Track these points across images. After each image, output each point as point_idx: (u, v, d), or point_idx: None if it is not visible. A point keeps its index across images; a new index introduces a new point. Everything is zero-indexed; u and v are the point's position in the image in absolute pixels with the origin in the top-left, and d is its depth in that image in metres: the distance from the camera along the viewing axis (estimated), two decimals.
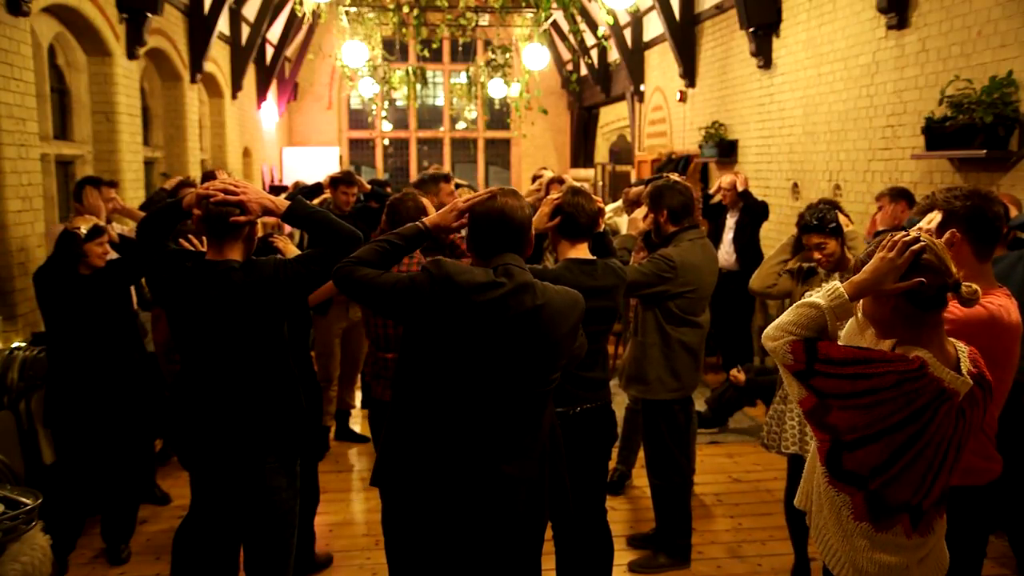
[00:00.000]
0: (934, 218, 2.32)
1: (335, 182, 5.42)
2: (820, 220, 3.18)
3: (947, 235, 2.22)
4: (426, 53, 10.10)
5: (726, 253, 6.22)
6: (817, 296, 1.83)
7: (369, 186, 5.64)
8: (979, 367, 1.86)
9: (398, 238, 2.21)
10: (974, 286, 1.79)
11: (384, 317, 2.82)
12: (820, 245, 3.20)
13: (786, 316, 1.84)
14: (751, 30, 7.06)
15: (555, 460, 2.46)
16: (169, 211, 2.62)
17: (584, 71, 12.65)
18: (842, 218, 3.20)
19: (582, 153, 14.37)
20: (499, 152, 15.75)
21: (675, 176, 3.66)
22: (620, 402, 3.42)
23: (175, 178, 5.96)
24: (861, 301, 1.91)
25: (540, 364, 2.13)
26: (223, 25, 8.93)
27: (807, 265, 3.41)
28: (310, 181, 6.26)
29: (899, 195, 4.43)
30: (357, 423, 5.44)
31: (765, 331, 1.88)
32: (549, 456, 2.36)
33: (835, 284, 1.83)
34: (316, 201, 5.74)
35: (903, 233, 1.83)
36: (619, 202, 6.53)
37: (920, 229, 2.26)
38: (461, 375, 2.08)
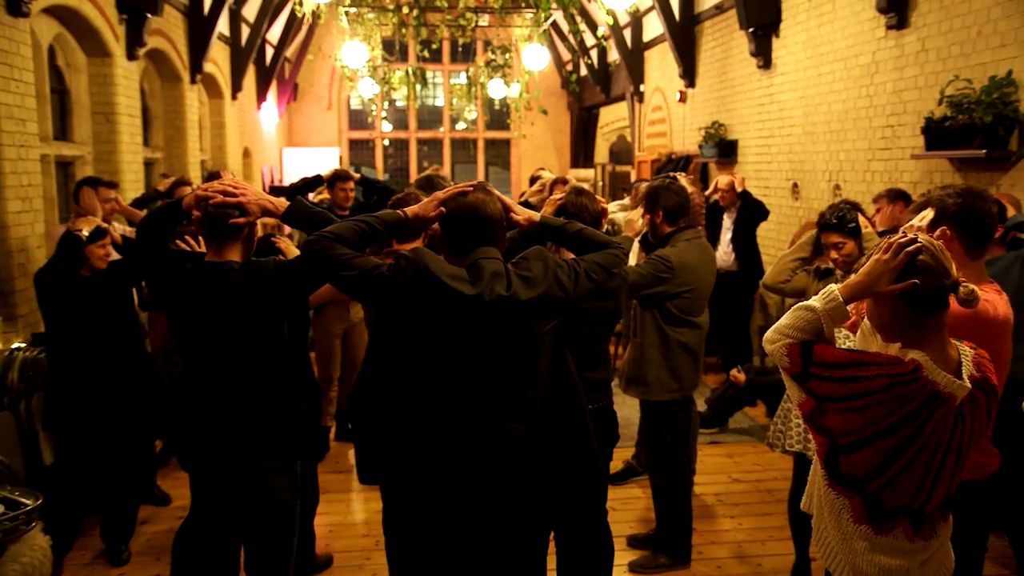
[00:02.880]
0: (926, 215, 2.33)
1: (332, 182, 5.43)
2: (840, 219, 3.18)
3: (938, 232, 2.23)
4: (426, 53, 10.10)
5: (724, 253, 6.22)
6: (813, 299, 1.83)
7: (358, 174, 5.64)
8: (983, 371, 1.83)
9: (379, 223, 2.19)
10: (971, 286, 1.78)
11: (356, 300, 2.79)
12: (838, 244, 3.20)
13: (784, 319, 1.84)
14: (751, 30, 7.06)
15: (570, 415, 2.45)
16: (169, 211, 2.62)
17: (584, 71, 12.65)
18: (862, 219, 3.20)
19: (582, 153, 14.37)
20: (499, 152, 15.75)
21: (682, 176, 3.65)
22: (622, 402, 3.39)
23: (170, 179, 5.96)
24: (867, 306, 1.90)
25: (519, 337, 2.13)
26: (223, 26, 8.93)
27: (823, 267, 3.41)
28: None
29: (897, 196, 4.44)
30: None
31: (765, 334, 1.87)
32: (561, 411, 2.37)
33: (831, 287, 1.82)
34: (315, 198, 5.75)
35: (900, 235, 1.82)
36: (622, 200, 6.55)
37: (912, 227, 2.27)
38: (442, 353, 2.09)
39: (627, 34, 10.60)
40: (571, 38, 11.27)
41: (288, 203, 2.54)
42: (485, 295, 2.03)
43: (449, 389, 2.12)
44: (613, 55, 11.44)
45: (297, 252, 3.04)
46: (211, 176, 5.48)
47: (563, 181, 5.62)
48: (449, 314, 2.04)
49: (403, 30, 9.60)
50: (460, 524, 2.18)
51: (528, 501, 2.25)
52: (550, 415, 2.30)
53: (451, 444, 2.13)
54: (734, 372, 5.10)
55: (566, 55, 13.80)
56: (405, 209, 2.23)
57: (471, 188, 2.21)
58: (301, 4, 7.27)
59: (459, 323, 2.05)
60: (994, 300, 2.24)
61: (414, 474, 2.17)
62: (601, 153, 14.42)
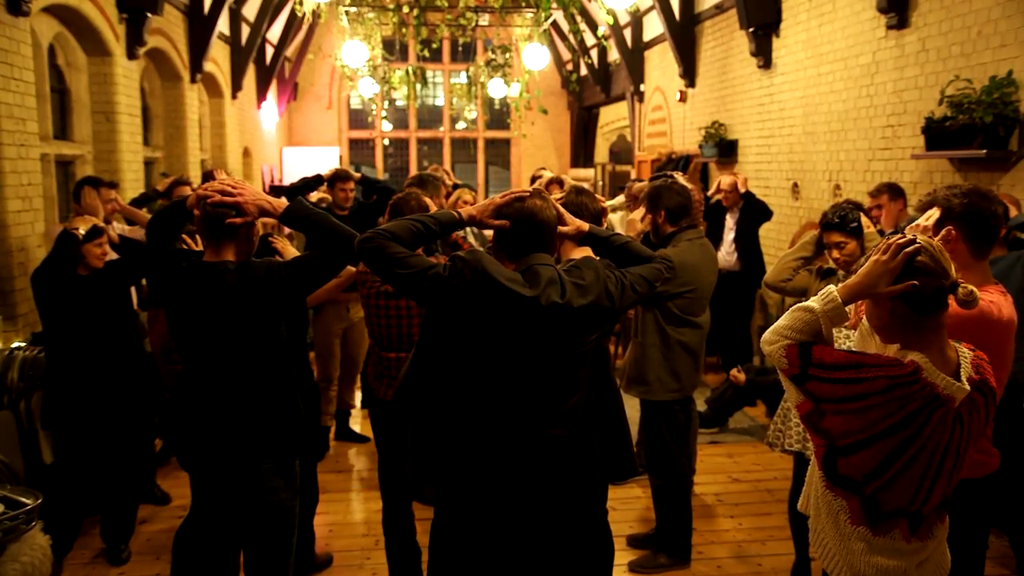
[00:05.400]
0: (932, 215, 2.32)
1: (332, 181, 5.43)
2: (842, 219, 3.19)
3: (943, 232, 2.22)
4: (426, 53, 10.10)
5: (726, 253, 6.22)
6: (812, 300, 1.82)
7: (359, 174, 5.64)
8: (982, 373, 1.83)
9: (433, 222, 2.21)
10: (970, 287, 1.77)
11: (408, 298, 2.85)
12: (840, 244, 3.20)
13: (782, 320, 1.84)
14: (751, 30, 7.06)
15: (609, 419, 2.49)
16: (174, 211, 2.61)
17: (584, 71, 12.64)
18: (864, 220, 3.20)
19: (582, 153, 14.38)
20: (499, 152, 15.75)
21: (680, 176, 3.65)
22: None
23: (169, 178, 5.96)
24: (866, 307, 1.90)
25: (569, 344, 2.17)
26: (223, 25, 8.93)
27: (825, 266, 3.41)
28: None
29: (899, 193, 4.45)
30: (357, 423, 5.44)
31: (763, 335, 1.87)
32: (599, 415, 2.41)
33: (830, 288, 1.81)
34: (315, 197, 5.74)
35: (899, 235, 1.82)
36: (619, 199, 6.55)
37: (918, 226, 2.26)
38: (492, 356, 2.14)
39: (627, 34, 10.60)
40: (571, 38, 11.27)
41: (287, 203, 2.53)
42: (542, 299, 2.08)
43: (496, 391, 2.16)
44: (613, 55, 11.44)
45: (295, 252, 3.04)
46: (206, 176, 5.48)
47: (559, 182, 5.62)
48: (505, 316, 2.07)
49: (403, 29, 9.61)
50: (498, 525, 2.21)
51: (567, 502, 2.28)
52: (590, 421, 2.33)
53: (491, 445, 2.17)
54: (734, 372, 5.09)
55: (566, 55, 13.80)
56: (461, 210, 2.27)
57: (528, 194, 2.25)
58: (301, 3, 7.26)
59: (514, 325, 2.09)
60: (999, 301, 2.23)
61: (458, 474, 2.21)
62: (601, 153, 14.42)
